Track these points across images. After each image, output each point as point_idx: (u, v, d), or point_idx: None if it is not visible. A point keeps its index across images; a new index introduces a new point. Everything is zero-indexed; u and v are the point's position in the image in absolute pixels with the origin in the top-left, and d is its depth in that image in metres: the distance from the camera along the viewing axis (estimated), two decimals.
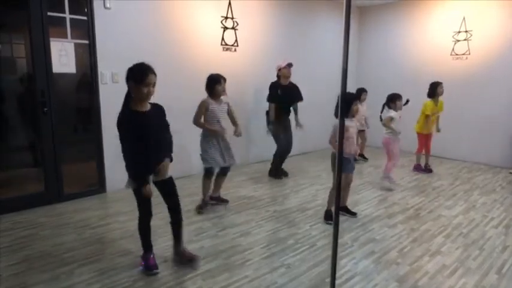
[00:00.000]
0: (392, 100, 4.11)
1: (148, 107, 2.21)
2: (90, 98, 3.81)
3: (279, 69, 4.47)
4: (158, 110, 2.29)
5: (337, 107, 3.14)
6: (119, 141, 2.16)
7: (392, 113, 4.09)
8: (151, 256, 2.40)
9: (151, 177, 2.27)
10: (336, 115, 3.15)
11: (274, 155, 4.64)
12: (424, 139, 4.94)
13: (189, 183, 4.08)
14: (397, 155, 4.22)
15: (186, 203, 3.41)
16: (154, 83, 2.15)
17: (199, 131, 3.34)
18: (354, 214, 3.37)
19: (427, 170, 4.99)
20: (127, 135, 2.13)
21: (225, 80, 3.31)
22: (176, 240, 2.49)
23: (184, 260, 2.45)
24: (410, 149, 5.82)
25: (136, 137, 2.12)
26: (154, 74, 2.15)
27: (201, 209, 3.40)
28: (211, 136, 3.29)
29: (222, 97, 3.35)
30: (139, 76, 2.09)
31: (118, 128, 2.12)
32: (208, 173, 3.42)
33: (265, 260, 2.54)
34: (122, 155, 2.17)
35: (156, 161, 2.27)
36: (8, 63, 4.82)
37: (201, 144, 3.34)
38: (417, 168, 5.06)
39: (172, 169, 2.39)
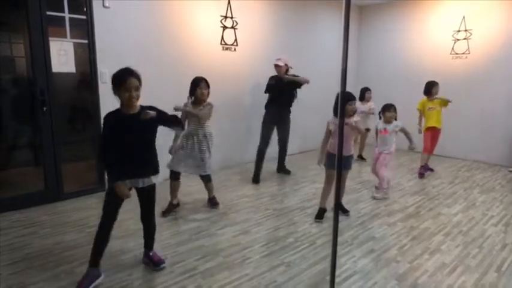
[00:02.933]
0: (383, 111, 3.90)
1: (136, 110, 2.16)
2: (90, 97, 3.81)
3: (278, 66, 4.45)
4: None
5: (335, 105, 3.16)
6: None
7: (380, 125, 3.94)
8: (94, 273, 2.18)
9: (127, 182, 2.20)
10: (334, 113, 3.17)
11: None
12: (428, 136, 4.76)
13: (183, 183, 4.08)
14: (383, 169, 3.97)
15: (183, 201, 3.42)
16: (137, 86, 2.10)
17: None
18: (346, 212, 3.38)
19: (421, 173, 4.75)
20: (106, 132, 2.13)
21: (207, 83, 3.20)
22: (148, 246, 2.46)
23: (152, 263, 2.40)
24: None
25: (114, 137, 2.11)
26: (136, 78, 2.10)
27: (166, 212, 3.24)
28: (183, 138, 3.22)
29: (208, 101, 3.23)
30: (118, 80, 2.08)
31: (104, 127, 2.14)
32: (172, 174, 3.28)
33: (264, 258, 2.54)
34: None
35: (136, 168, 2.22)
36: (7, 63, 4.82)
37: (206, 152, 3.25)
38: (424, 169, 4.80)
39: (163, 171, 2.37)
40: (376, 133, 4.03)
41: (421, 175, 4.73)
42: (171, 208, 3.29)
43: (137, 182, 2.25)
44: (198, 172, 3.28)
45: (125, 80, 2.07)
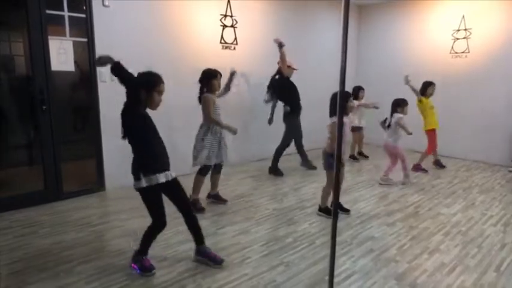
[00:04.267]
0: (401, 105, 4.17)
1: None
2: (89, 96, 3.80)
3: (289, 66, 4.49)
4: None
5: (331, 106, 3.15)
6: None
7: (401, 115, 4.17)
8: (144, 258, 2.35)
9: (163, 175, 2.23)
10: (330, 114, 3.16)
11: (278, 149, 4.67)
12: (434, 136, 4.86)
13: (188, 181, 4.07)
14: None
15: None
16: (163, 91, 2.22)
17: (197, 128, 3.33)
18: (347, 211, 3.39)
19: (441, 165, 5.10)
20: (144, 133, 2.18)
21: (221, 75, 3.31)
22: (199, 241, 2.46)
23: (212, 261, 2.41)
24: (410, 147, 5.84)
25: (151, 135, 2.20)
26: (163, 83, 2.22)
27: (200, 209, 3.34)
28: (212, 134, 3.27)
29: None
30: (154, 83, 2.16)
31: (135, 125, 2.15)
32: (203, 170, 3.37)
33: (264, 258, 2.54)
34: (131, 153, 2.22)
35: (168, 161, 2.31)
36: (7, 61, 4.82)
37: (198, 143, 3.30)
38: (417, 168, 4.94)
39: (172, 168, 2.38)
40: (387, 125, 4.24)
41: (423, 170, 4.88)
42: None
43: (168, 175, 2.30)
44: (224, 160, 3.41)
45: (159, 84, 2.18)
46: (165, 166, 2.28)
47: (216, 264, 2.40)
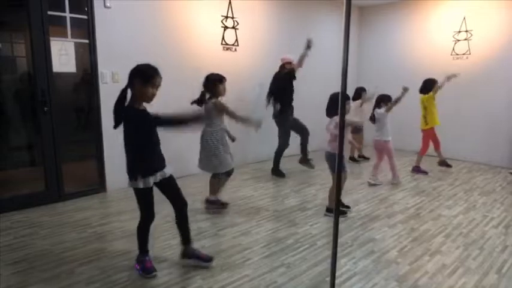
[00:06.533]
0: (383, 100, 4.25)
1: (143, 105, 2.21)
2: (91, 98, 3.81)
3: (289, 63, 4.47)
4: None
5: (328, 106, 3.21)
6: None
7: (382, 111, 4.26)
8: (147, 259, 2.35)
9: (152, 179, 2.21)
10: (328, 114, 3.21)
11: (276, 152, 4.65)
12: (434, 135, 4.85)
13: (188, 183, 4.08)
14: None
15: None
16: (159, 85, 2.17)
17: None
18: (348, 208, 3.43)
19: (447, 165, 5.10)
20: (134, 132, 2.14)
21: (225, 79, 3.27)
22: (185, 240, 2.45)
23: (200, 260, 2.40)
24: (410, 148, 5.83)
25: (143, 134, 2.15)
26: (160, 77, 2.18)
27: (221, 206, 3.39)
28: (218, 139, 3.22)
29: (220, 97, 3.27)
30: (147, 75, 2.11)
31: (124, 125, 2.13)
32: (216, 174, 3.35)
33: (265, 260, 2.54)
34: (125, 153, 2.19)
35: (159, 160, 2.27)
36: (9, 62, 4.84)
37: (206, 150, 3.22)
38: (418, 170, 4.94)
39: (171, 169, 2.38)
40: (374, 120, 4.33)
41: (423, 172, 4.87)
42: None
43: (164, 173, 2.27)
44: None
45: (153, 76, 2.12)
46: (157, 167, 2.24)
47: (206, 262, 2.39)
